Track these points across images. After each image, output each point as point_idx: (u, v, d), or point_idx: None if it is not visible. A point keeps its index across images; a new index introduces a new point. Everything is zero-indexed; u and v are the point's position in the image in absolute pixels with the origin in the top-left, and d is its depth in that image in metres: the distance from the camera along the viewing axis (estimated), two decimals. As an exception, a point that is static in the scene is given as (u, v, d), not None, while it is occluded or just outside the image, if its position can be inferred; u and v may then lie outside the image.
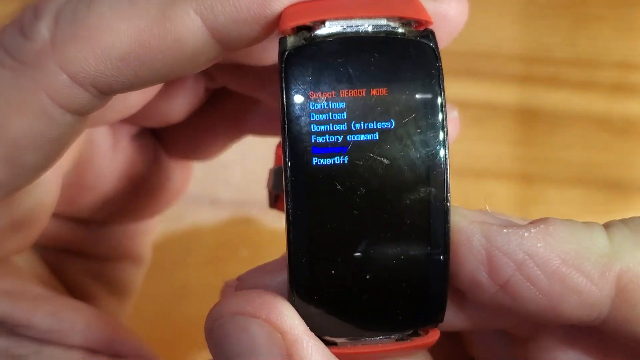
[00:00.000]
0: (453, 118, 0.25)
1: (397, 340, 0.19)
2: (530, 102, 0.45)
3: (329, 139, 0.17)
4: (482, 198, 0.44)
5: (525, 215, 0.44)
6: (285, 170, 0.17)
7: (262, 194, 0.30)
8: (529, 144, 0.44)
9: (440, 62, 0.18)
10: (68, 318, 0.22)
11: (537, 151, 0.44)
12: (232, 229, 0.43)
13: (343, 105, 0.17)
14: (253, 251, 0.42)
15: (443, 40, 0.21)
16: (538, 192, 0.44)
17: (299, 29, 0.18)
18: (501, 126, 0.44)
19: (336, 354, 0.18)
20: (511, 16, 0.45)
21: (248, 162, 0.43)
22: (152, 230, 0.32)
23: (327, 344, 0.18)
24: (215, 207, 0.43)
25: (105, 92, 0.19)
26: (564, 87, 0.44)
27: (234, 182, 0.43)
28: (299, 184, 0.17)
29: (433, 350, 0.23)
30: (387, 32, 0.18)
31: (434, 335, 0.19)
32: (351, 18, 0.18)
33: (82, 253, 0.29)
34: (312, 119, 0.17)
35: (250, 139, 0.30)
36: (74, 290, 0.27)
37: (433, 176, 0.17)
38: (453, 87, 0.47)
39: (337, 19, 0.18)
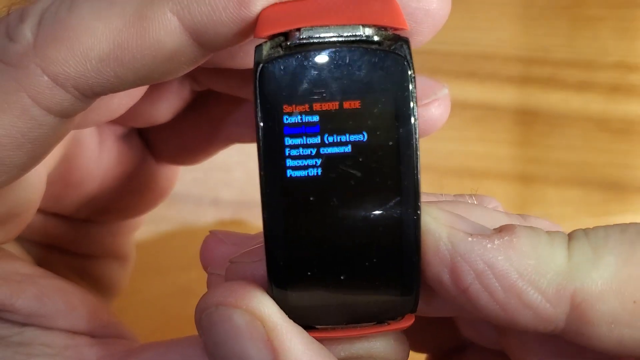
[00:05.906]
0: (443, 96, 0.24)
1: (374, 324, 0.20)
2: (529, 103, 0.45)
3: (302, 151, 0.18)
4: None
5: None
6: (261, 182, 0.18)
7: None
8: (527, 145, 0.44)
9: (414, 71, 0.18)
10: (52, 302, 0.23)
11: (535, 151, 0.44)
12: (234, 229, 0.43)
13: (316, 118, 0.18)
14: (254, 251, 0.43)
15: (426, 34, 0.21)
16: (537, 193, 0.44)
17: (274, 35, 0.18)
18: (500, 127, 0.45)
19: (316, 337, 0.19)
20: (510, 17, 0.45)
21: (249, 163, 0.43)
22: (136, 229, 0.32)
23: (307, 328, 0.19)
24: (216, 207, 0.43)
25: (86, 94, 0.19)
26: (562, 87, 0.44)
27: (236, 183, 0.43)
28: (273, 196, 0.18)
29: (428, 331, 0.25)
30: (362, 41, 0.18)
31: (409, 320, 0.20)
32: (326, 25, 0.18)
33: (66, 249, 0.29)
34: (285, 132, 0.18)
35: (252, 139, 0.30)
36: None
37: (405, 186, 0.18)
38: (452, 88, 0.47)
39: (312, 27, 0.18)
